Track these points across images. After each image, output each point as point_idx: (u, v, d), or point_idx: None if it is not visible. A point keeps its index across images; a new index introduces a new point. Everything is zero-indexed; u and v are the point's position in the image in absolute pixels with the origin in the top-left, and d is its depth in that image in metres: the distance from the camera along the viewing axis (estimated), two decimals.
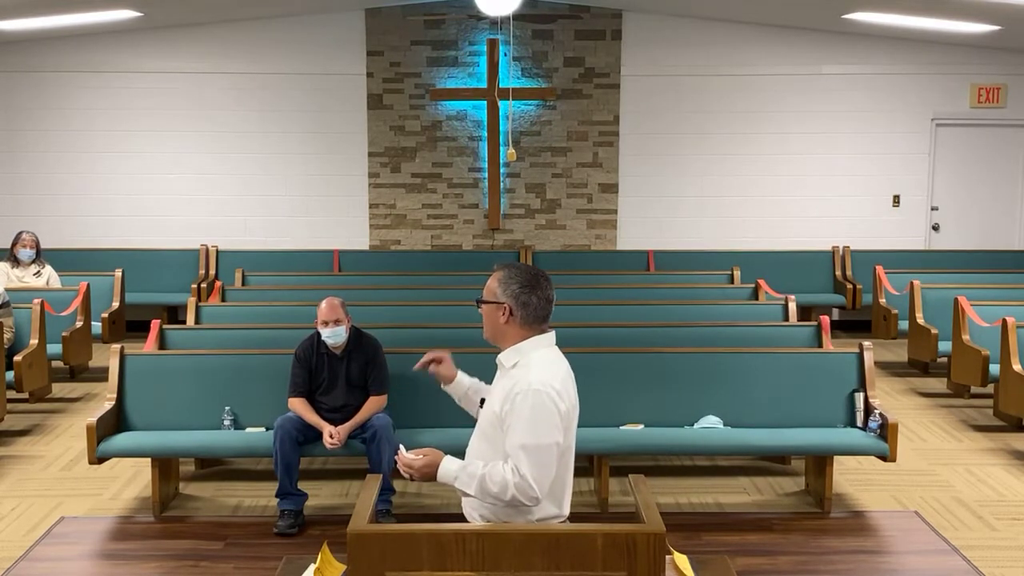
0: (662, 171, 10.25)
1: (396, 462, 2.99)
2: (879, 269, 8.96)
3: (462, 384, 3.30)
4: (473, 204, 10.23)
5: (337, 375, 5.15)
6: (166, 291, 9.71)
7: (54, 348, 7.31)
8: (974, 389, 7.55)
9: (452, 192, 10.22)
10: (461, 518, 3.08)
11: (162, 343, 6.02)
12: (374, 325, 5.80)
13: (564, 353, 3.06)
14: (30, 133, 10.12)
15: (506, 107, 9.94)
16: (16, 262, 8.15)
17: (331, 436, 4.99)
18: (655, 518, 2.48)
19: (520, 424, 2.83)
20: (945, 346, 7.48)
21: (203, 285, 9.52)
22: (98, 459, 5.09)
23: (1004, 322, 6.45)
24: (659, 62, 10.10)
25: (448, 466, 2.90)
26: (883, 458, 5.16)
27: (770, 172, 10.27)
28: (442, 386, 3.32)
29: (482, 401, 3.12)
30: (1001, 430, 6.74)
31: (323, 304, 5.14)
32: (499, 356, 3.03)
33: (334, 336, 5.11)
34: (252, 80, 10.07)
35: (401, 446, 3.06)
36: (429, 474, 2.90)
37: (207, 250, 10.03)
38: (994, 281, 8.66)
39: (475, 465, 2.90)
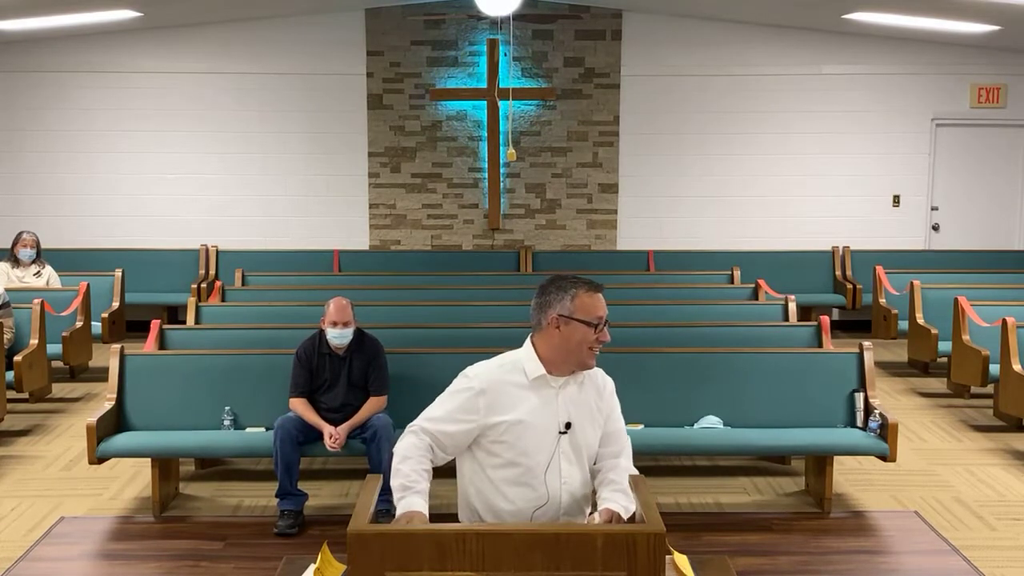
0: (662, 171, 10.25)
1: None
2: (879, 269, 8.95)
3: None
4: (473, 204, 10.23)
5: (338, 375, 5.15)
6: (166, 291, 9.71)
7: (54, 348, 7.30)
8: (974, 389, 7.55)
9: (452, 192, 10.22)
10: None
11: (162, 343, 6.01)
12: (374, 325, 5.80)
13: None
14: (30, 133, 10.12)
15: (506, 107, 9.94)
16: (16, 262, 8.15)
17: (331, 438, 4.99)
18: (655, 518, 2.47)
19: (618, 406, 3.07)
20: (945, 346, 7.47)
21: (203, 285, 9.52)
22: (98, 459, 5.08)
23: (1004, 322, 6.45)
24: (659, 62, 10.10)
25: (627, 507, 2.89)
26: (883, 458, 5.16)
27: (770, 172, 10.27)
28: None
29: (568, 425, 2.99)
30: (1001, 430, 6.74)
31: (331, 305, 5.12)
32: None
33: (341, 337, 5.11)
34: (252, 80, 10.07)
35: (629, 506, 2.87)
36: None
37: (207, 250, 10.03)
38: (994, 281, 8.66)
39: (618, 493, 2.93)
